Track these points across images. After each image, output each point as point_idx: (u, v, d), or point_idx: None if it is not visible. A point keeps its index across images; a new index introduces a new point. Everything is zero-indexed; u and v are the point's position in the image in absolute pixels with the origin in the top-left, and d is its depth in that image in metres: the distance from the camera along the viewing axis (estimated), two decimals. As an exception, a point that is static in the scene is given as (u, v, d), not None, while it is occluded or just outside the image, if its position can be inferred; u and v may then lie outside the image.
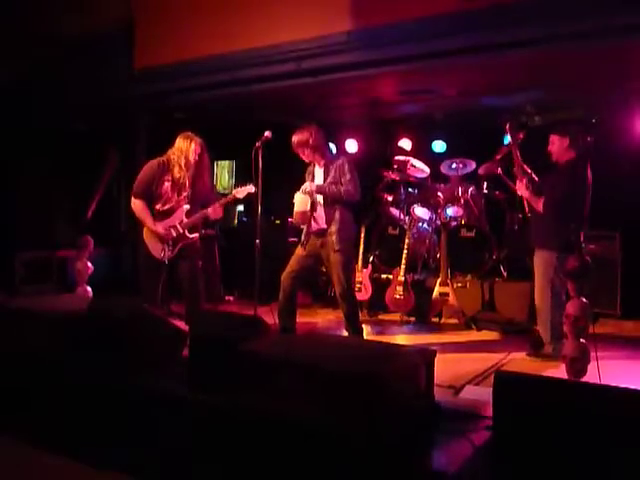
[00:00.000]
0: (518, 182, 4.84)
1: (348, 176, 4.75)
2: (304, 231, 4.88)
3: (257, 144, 4.70)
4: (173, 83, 6.48)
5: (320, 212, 4.81)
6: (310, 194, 4.79)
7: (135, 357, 3.45)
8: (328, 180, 4.80)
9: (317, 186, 4.78)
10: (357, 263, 6.45)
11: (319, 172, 4.93)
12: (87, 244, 5.89)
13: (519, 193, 4.90)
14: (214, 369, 3.13)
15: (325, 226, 4.78)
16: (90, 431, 3.28)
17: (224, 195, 5.28)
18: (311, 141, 4.79)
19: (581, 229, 4.39)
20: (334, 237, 4.73)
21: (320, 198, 4.81)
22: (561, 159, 4.71)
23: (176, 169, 4.85)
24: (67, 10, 6.75)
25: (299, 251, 4.93)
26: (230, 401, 2.90)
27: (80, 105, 6.98)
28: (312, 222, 4.82)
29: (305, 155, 4.87)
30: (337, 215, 4.76)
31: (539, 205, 4.62)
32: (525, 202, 4.94)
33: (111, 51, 6.78)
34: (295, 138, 4.83)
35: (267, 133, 4.71)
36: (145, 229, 4.90)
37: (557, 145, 4.71)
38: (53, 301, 4.49)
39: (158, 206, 4.89)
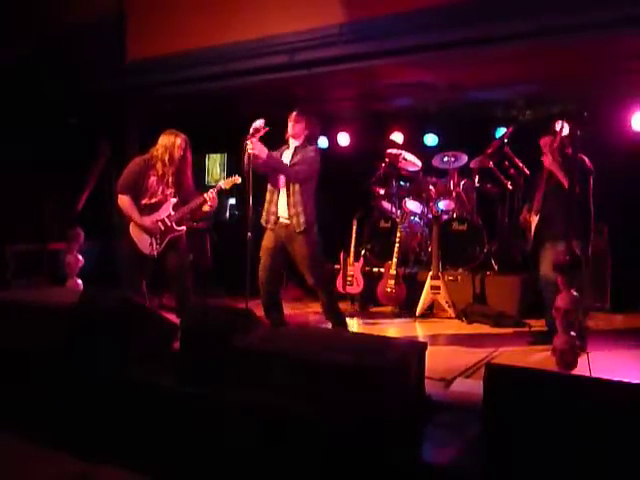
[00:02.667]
0: (548, 158, 4.80)
1: (307, 164, 4.76)
2: (266, 213, 4.90)
3: (248, 137, 4.65)
4: (165, 75, 6.44)
5: (281, 199, 4.80)
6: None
7: (126, 350, 3.45)
8: (292, 161, 4.80)
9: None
10: (349, 256, 6.46)
11: (288, 153, 4.90)
12: (77, 237, 5.86)
13: (549, 168, 4.79)
14: (205, 362, 3.12)
15: (285, 213, 4.77)
16: (83, 424, 3.28)
17: (212, 188, 5.27)
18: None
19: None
20: (294, 220, 4.72)
21: (282, 184, 4.80)
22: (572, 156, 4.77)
23: (159, 165, 4.85)
24: (58, 1, 6.70)
25: (267, 243, 4.89)
26: (221, 394, 2.90)
27: (71, 97, 6.93)
28: (273, 208, 4.83)
29: (294, 129, 4.83)
30: (298, 199, 4.73)
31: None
32: (540, 197, 4.89)
33: (102, 43, 6.72)
34: (301, 114, 4.85)
35: (258, 124, 4.65)
36: (132, 224, 4.89)
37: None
38: (43, 294, 4.47)
39: (145, 200, 4.88)
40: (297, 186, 4.75)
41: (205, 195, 4.90)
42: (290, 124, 4.85)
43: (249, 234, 4.76)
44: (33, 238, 6.91)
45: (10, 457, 3.23)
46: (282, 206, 4.80)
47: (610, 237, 6.14)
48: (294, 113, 4.86)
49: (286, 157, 4.89)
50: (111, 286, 5.15)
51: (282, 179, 4.82)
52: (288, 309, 5.47)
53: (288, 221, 4.77)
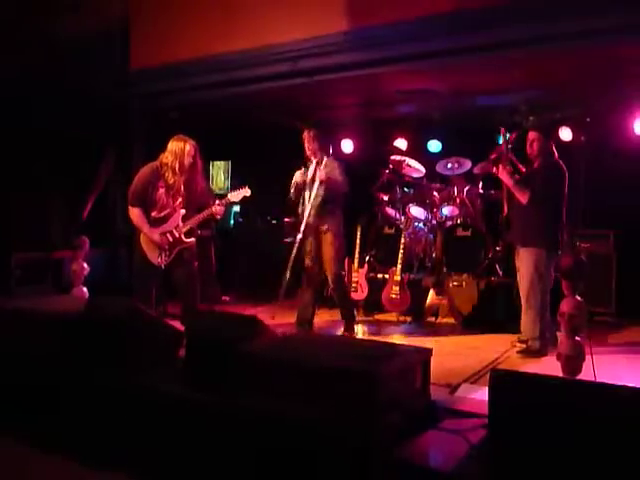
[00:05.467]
0: (501, 169, 4.86)
1: (337, 171, 5.27)
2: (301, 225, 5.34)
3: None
4: (169, 83, 6.48)
5: (312, 210, 5.27)
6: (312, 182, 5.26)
7: (132, 358, 3.46)
8: (321, 177, 5.23)
9: (325, 174, 5.18)
10: (353, 263, 6.46)
11: (311, 169, 5.36)
12: (83, 245, 5.88)
13: (502, 179, 4.92)
14: (211, 369, 3.13)
15: (318, 224, 5.27)
16: (88, 431, 3.29)
17: (220, 196, 5.28)
18: (321, 139, 5.32)
19: (573, 227, 4.54)
20: (328, 234, 5.25)
21: (313, 196, 5.26)
22: (542, 157, 4.76)
23: (169, 174, 4.80)
24: (63, 10, 6.74)
25: (307, 247, 5.34)
26: (227, 401, 2.91)
27: (76, 105, 6.97)
28: (305, 218, 5.28)
29: (310, 148, 5.31)
30: (329, 212, 5.27)
31: (524, 197, 4.64)
32: (505, 200, 4.96)
33: (107, 51, 6.77)
34: (314, 131, 5.32)
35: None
36: (142, 235, 4.89)
37: (538, 143, 4.77)
38: (49, 302, 4.48)
39: (154, 213, 4.87)
40: (326, 197, 5.24)
41: (213, 208, 4.91)
42: (306, 144, 5.32)
43: (292, 238, 5.12)
44: (38, 246, 6.93)
45: (15, 465, 3.24)
46: (312, 216, 5.27)
47: (615, 242, 6.14)
48: (309, 134, 5.30)
49: (310, 172, 5.35)
50: (116, 294, 5.17)
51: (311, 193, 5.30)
52: (294, 317, 5.48)
53: (322, 232, 5.27)
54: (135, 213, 4.83)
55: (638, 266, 6.14)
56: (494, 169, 4.95)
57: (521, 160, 6.55)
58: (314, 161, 5.35)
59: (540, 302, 4.63)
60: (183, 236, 4.91)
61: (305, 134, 5.36)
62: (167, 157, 4.82)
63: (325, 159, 5.33)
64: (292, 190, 5.41)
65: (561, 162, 4.75)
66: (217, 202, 4.95)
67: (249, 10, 5.84)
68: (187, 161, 4.82)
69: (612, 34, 4.31)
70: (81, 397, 3.39)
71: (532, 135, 4.81)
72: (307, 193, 5.33)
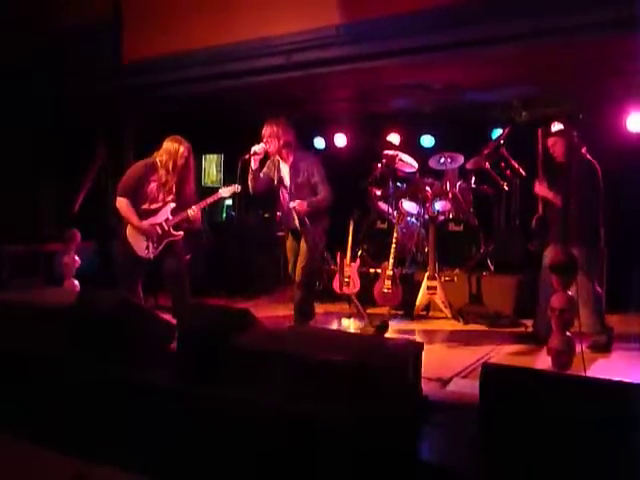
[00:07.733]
0: (538, 184, 4.82)
1: (317, 178, 4.91)
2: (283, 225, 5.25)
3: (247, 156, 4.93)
4: (162, 76, 6.44)
5: (295, 214, 4.97)
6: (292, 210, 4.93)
7: (124, 351, 3.45)
8: (297, 180, 4.96)
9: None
10: (346, 257, 6.46)
11: (285, 168, 5.05)
12: (74, 237, 5.87)
13: (540, 194, 4.84)
14: (203, 362, 3.13)
15: (298, 226, 4.98)
16: (81, 425, 3.28)
17: (211, 190, 5.28)
18: (283, 136, 4.92)
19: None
20: (309, 228, 4.92)
21: (290, 198, 5.00)
22: (567, 159, 4.75)
23: (162, 172, 4.88)
24: (55, 2, 6.69)
25: (289, 244, 5.21)
26: (219, 394, 2.91)
27: (68, 97, 6.92)
28: (289, 219, 5.05)
29: (272, 147, 4.94)
30: (314, 214, 4.93)
31: (559, 200, 4.62)
32: (540, 203, 4.92)
33: (100, 43, 6.72)
34: (268, 129, 4.93)
35: (259, 148, 4.90)
36: (128, 227, 4.90)
37: (559, 146, 4.76)
38: (40, 295, 4.47)
39: (145, 205, 4.91)
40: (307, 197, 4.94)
41: (188, 211, 4.92)
42: (266, 144, 4.94)
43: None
44: (29, 239, 6.90)
45: (7, 457, 3.23)
46: (297, 220, 4.98)
47: (605, 238, 6.15)
48: (266, 132, 4.93)
49: (284, 172, 5.05)
50: (108, 287, 5.16)
51: (288, 194, 5.03)
52: (286, 310, 5.49)
53: (302, 229, 4.99)
54: (123, 203, 4.86)
55: (629, 261, 6.17)
56: (536, 187, 4.85)
57: (515, 156, 6.61)
58: (282, 161, 5.03)
59: (593, 296, 4.63)
60: (172, 229, 4.94)
61: (266, 129, 4.93)
62: (162, 155, 4.90)
63: (299, 162, 4.96)
64: (251, 184, 5.02)
65: (590, 158, 4.76)
66: (194, 207, 4.94)
67: (243, 2, 5.80)
68: (180, 162, 4.90)
69: (606, 29, 4.30)
70: (72, 391, 3.38)
71: (551, 140, 4.81)
72: (286, 194, 5.02)
